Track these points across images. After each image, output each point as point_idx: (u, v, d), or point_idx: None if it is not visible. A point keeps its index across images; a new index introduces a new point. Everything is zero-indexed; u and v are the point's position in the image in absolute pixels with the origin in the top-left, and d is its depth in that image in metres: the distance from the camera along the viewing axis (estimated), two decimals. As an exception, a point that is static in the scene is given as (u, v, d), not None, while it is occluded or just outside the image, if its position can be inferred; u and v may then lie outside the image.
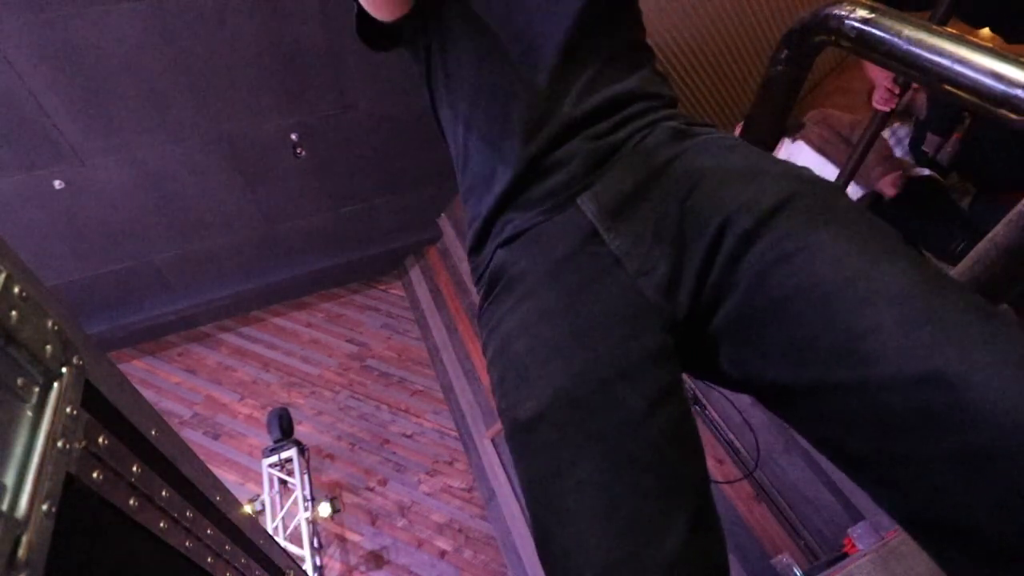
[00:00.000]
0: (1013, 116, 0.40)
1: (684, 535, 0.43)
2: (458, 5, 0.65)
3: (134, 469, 0.43)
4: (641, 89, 0.62)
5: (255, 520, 0.73)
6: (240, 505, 0.66)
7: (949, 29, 0.47)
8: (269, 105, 2.90)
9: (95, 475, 0.38)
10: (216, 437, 3.15)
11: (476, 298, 0.67)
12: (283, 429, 2.89)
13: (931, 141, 1.90)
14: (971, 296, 0.40)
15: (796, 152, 2.17)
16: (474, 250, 0.66)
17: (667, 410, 0.49)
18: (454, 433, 3.18)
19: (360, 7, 0.66)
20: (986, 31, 1.61)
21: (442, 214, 3.99)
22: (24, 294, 0.34)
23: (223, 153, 2.98)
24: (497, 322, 0.58)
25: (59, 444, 0.34)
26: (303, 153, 3.02)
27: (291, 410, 3.05)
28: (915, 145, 2.02)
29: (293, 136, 3.00)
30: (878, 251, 0.43)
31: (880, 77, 1.65)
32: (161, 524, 0.45)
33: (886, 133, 2.03)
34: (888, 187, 1.86)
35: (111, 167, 2.77)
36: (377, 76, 2.88)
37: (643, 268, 0.53)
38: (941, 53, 0.45)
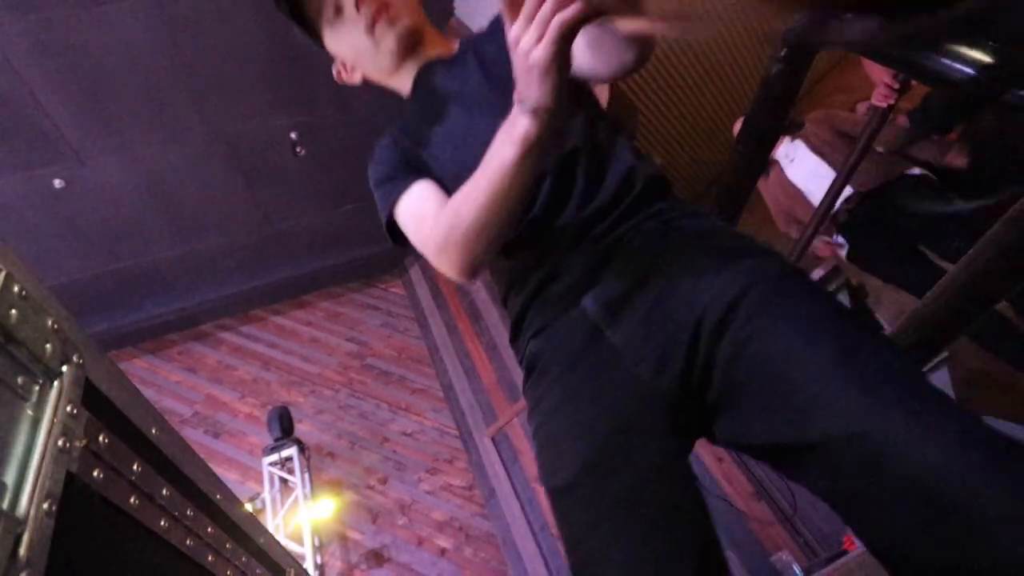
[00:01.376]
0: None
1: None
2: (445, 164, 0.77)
3: (135, 468, 0.43)
4: (628, 182, 0.72)
5: (255, 518, 0.73)
6: (240, 503, 0.67)
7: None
8: (268, 104, 2.90)
9: (95, 474, 0.38)
10: (216, 435, 3.15)
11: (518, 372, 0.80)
12: (283, 427, 2.89)
13: (925, 147, 1.90)
14: (890, 357, 0.50)
15: (794, 151, 2.16)
16: (513, 339, 0.79)
17: (672, 475, 0.59)
18: (454, 431, 3.18)
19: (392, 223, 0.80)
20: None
21: (442, 213, 3.98)
22: (24, 293, 0.34)
23: (223, 152, 2.98)
24: (537, 401, 0.70)
25: (59, 443, 0.34)
26: (302, 152, 3.01)
27: (291, 408, 3.05)
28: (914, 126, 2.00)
29: (292, 135, 3.00)
30: (812, 330, 0.54)
31: (879, 74, 1.65)
32: (162, 522, 0.45)
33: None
34: (960, 160, 1.85)
35: (111, 166, 2.77)
36: (376, 75, 2.87)
37: (638, 358, 0.63)
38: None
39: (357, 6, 0.77)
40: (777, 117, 0.68)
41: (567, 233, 0.71)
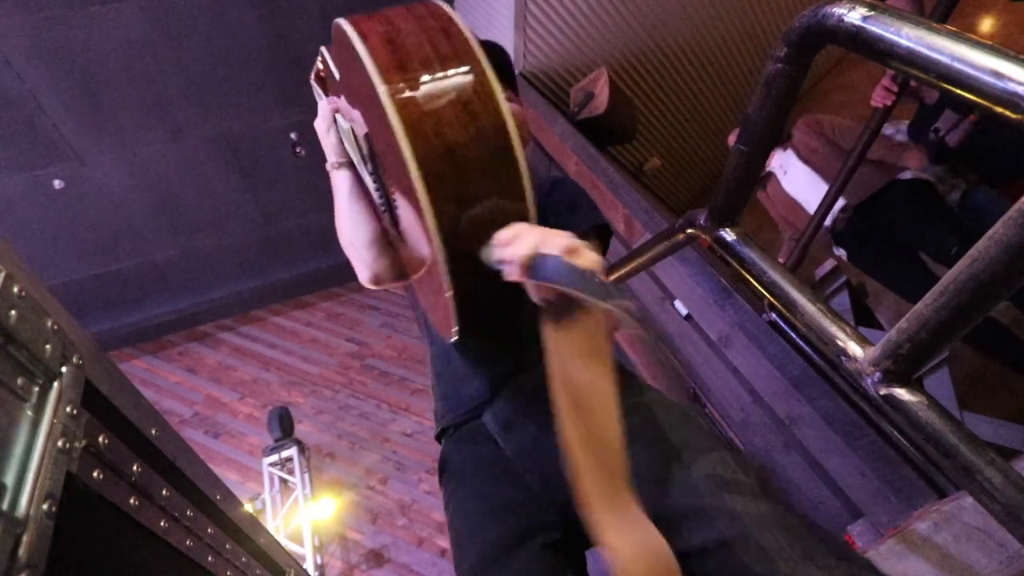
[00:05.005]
0: (1012, 115, 0.40)
1: None
2: None
3: (135, 468, 0.43)
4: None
5: (255, 519, 0.73)
6: (240, 504, 0.67)
7: (949, 27, 0.47)
8: (269, 104, 2.90)
9: (95, 474, 0.38)
10: (216, 436, 3.15)
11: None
12: (283, 428, 2.89)
13: (948, 117, 1.85)
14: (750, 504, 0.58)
15: (787, 162, 2.13)
16: (437, 438, 0.90)
17: (557, 568, 0.64)
18: (454, 432, 3.18)
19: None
20: (988, 26, 1.60)
21: (442, 213, 3.98)
22: (24, 293, 0.34)
23: (223, 152, 2.98)
24: (447, 500, 0.78)
25: (59, 443, 0.34)
26: (302, 152, 3.01)
27: (291, 409, 3.05)
28: (914, 129, 1.97)
29: (292, 135, 3.00)
30: (676, 459, 0.63)
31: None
32: (162, 523, 0.45)
33: (889, 130, 2.00)
34: (915, 161, 1.85)
35: (111, 166, 2.77)
36: (376, 75, 2.87)
37: (527, 467, 0.71)
38: (941, 51, 0.45)
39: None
40: (778, 116, 0.68)
41: (479, 349, 0.81)
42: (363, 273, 0.82)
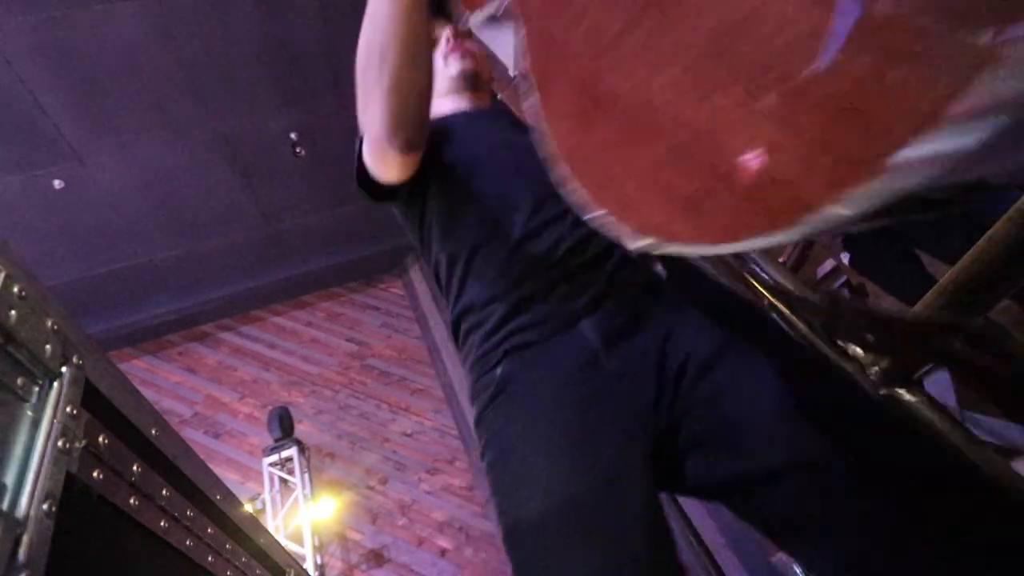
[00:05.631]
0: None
1: None
2: (450, 172, 0.79)
3: (135, 468, 0.43)
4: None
5: (255, 519, 0.73)
6: (240, 504, 0.67)
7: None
8: (269, 104, 2.90)
9: (95, 474, 0.38)
10: (217, 436, 3.15)
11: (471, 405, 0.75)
12: (283, 428, 2.89)
13: None
14: (853, 399, 0.56)
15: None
16: (480, 360, 0.73)
17: (655, 510, 0.57)
18: (454, 432, 3.18)
19: (361, 163, 0.76)
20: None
21: (442, 213, 3.98)
22: (24, 294, 0.34)
23: (223, 152, 2.98)
24: (500, 427, 0.67)
25: (59, 444, 0.34)
26: (303, 152, 3.01)
27: (291, 409, 3.05)
28: None
29: (293, 135, 3.00)
30: (770, 383, 0.59)
31: None
32: (162, 523, 0.45)
33: None
34: None
35: (111, 166, 2.77)
36: (376, 75, 2.87)
37: (634, 386, 0.64)
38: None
39: (448, 40, 0.94)
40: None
41: (554, 257, 0.72)
42: (391, 118, 0.64)
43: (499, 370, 0.69)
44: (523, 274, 0.72)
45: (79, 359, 0.39)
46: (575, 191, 0.49)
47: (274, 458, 2.87)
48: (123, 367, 3.42)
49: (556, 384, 0.65)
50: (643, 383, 0.64)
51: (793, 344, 0.68)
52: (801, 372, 0.60)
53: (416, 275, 4.11)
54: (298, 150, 2.97)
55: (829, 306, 0.63)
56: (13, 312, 0.33)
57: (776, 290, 0.74)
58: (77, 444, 0.36)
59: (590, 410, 0.62)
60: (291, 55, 2.73)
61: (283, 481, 2.89)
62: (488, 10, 0.93)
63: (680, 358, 0.64)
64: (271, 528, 2.69)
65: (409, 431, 3.19)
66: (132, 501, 0.42)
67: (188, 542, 0.50)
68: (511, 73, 1.04)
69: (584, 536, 0.53)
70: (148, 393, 3.27)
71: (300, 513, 2.73)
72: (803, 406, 0.55)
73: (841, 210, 0.28)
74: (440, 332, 3.65)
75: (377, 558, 2.68)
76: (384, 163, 0.72)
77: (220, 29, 2.53)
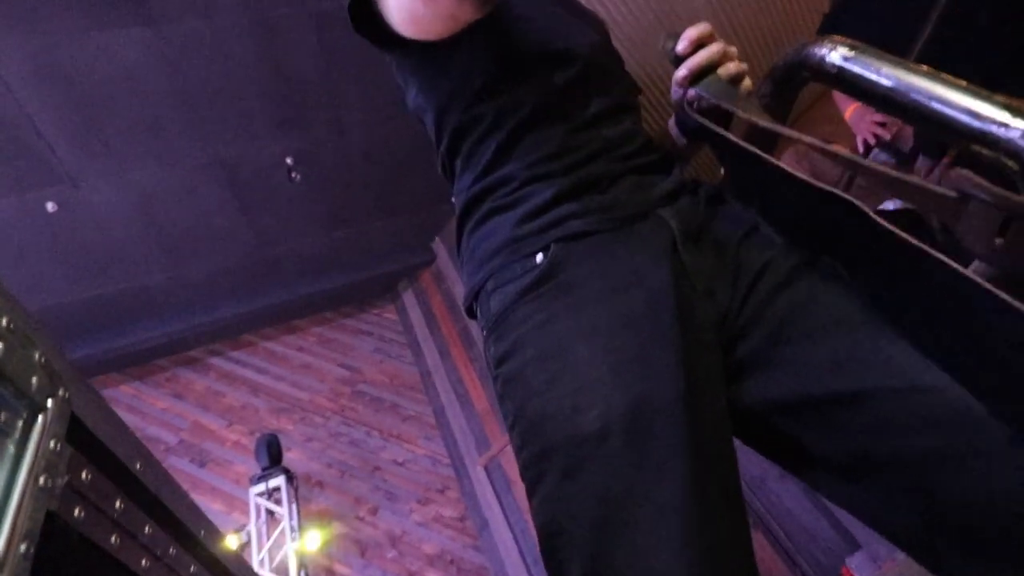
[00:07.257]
0: (987, 152, 0.41)
1: (747, 546, 0.47)
2: (501, 38, 0.65)
3: (117, 505, 0.42)
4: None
5: (240, 557, 0.71)
6: (224, 540, 0.65)
7: (926, 67, 0.48)
8: (264, 130, 2.93)
9: (76, 512, 0.37)
10: (202, 464, 3.08)
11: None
12: (271, 456, 2.83)
13: (922, 163, 1.91)
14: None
15: None
16: (511, 244, 0.61)
17: (728, 436, 0.52)
18: (446, 460, 3.12)
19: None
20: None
21: (436, 238, 4.00)
22: (11, 326, 0.34)
23: (218, 177, 2.99)
24: (543, 321, 0.55)
25: (41, 480, 0.33)
26: (298, 177, 3.03)
27: (280, 436, 2.99)
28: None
29: (288, 160, 3.02)
30: (853, 298, 0.53)
31: (852, 110, 1.69)
32: (143, 562, 0.44)
33: (882, 156, 2.05)
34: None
35: (105, 190, 2.77)
36: (372, 102, 2.92)
37: (709, 287, 0.58)
38: (919, 91, 0.47)
39: None
40: (764, 150, 0.70)
41: (623, 147, 0.67)
42: None
43: (540, 256, 0.58)
44: (589, 156, 0.63)
45: (65, 391, 0.38)
46: None
47: (261, 487, 2.80)
48: (109, 392, 3.36)
49: (624, 279, 0.56)
50: (717, 285, 0.58)
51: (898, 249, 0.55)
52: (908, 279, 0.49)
53: (409, 300, 4.10)
54: (293, 175, 2.99)
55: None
56: (0, 345, 0.33)
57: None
58: (59, 480, 0.35)
59: (663, 312, 0.53)
60: (287, 81, 2.77)
61: (270, 512, 2.81)
62: None
63: (755, 269, 0.58)
64: (256, 561, 2.60)
65: (400, 459, 3.14)
66: (113, 539, 0.40)
67: (170, 581, 0.48)
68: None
69: (662, 454, 0.46)
70: (134, 420, 3.21)
71: (287, 545, 2.65)
72: (897, 325, 0.47)
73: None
74: (433, 357, 3.62)
75: (365, 592, 2.60)
76: (436, 7, 0.51)
77: (217, 54, 2.57)
